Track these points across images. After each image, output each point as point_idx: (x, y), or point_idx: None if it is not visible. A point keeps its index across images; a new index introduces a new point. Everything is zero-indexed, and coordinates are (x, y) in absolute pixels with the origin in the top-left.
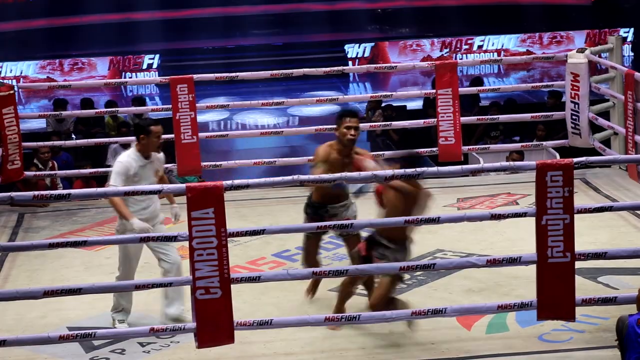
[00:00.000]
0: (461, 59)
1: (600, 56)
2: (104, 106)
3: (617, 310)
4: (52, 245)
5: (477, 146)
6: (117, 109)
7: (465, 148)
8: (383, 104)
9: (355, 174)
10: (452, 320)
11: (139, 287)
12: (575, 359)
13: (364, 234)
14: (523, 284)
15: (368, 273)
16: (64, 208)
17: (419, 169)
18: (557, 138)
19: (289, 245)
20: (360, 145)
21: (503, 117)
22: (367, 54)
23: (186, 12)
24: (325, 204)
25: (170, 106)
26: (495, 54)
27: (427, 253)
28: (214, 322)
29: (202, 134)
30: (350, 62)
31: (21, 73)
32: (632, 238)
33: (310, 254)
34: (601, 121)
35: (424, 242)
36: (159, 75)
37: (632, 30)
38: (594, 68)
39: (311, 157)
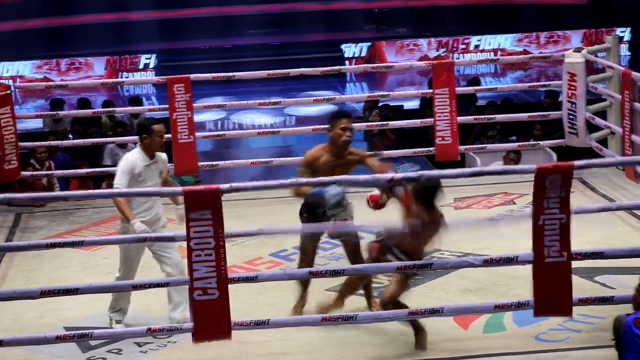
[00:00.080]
0: (458, 58)
1: (597, 56)
2: (101, 106)
3: (614, 309)
4: (49, 245)
5: (474, 146)
6: (114, 108)
7: (462, 148)
8: (380, 104)
9: (353, 177)
10: (449, 319)
11: (137, 287)
12: (572, 358)
13: (371, 236)
14: (520, 283)
15: (365, 273)
16: (61, 208)
17: (419, 172)
18: (554, 138)
19: (286, 245)
20: (357, 145)
21: (500, 117)
22: (364, 54)
23: (183, 11)
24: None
25: (167, 106)
26: (492, 53)
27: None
28: (211, 321)
29: (198, 134)
30: (347, 62)
31: (18, 73)
32: (630, 237)
33: (307, 254)
34: (598, 121)
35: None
36: (155, 75)
37: (628, 29)
38: (591, 67)
39: None
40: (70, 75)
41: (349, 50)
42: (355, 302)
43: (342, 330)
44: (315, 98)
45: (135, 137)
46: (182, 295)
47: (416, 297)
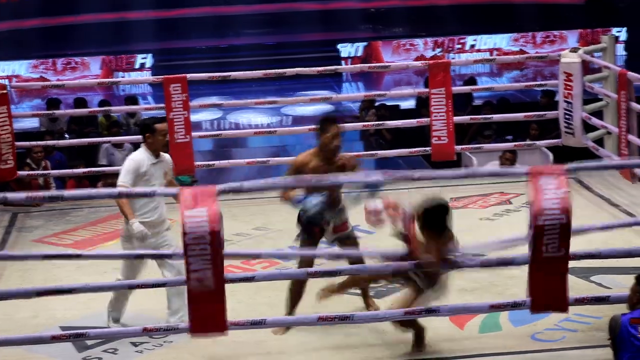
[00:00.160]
0: (454, 58)
1: (593, 56)
2: (97, 106)
3: (610, 309)
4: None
5: (471, 145)
6: (110, 107)
7: (458, 147)
8: (376, 104)
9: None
10: (445, 319)
11: (133, 287)
12: (568, 358)
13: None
14: (517, 283)
15: (362, 273)
16: (57, 207)
17: (416, 172)
18: (550, 137)
19: (282, 245)
20: (353, 145)
21: (496, 117)
22: (360, 54)
23: (179, 11)
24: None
25: (163, 105)
26: (488, 53)
27: None
28: (208, 317)
29: (195, 134)
30: (343, 62)
31: (14, 72)
32: (626, 237)
33: (305, 261)
34: (594, 120)
35: None
36: (152, 75)
37: (625, 29)
38: (587, 67)
39: None
40: (66, 75)
41: (345, 50)
42: (352, 302)
43: (338, 330)
44: (312, 97)
45: (131, 137)
46: (182, 301)
47: None
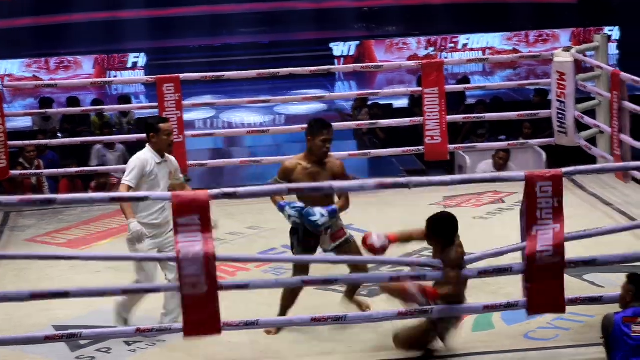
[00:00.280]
0: (446, 57)
1: (585, 55)
2: (90, 105)
3: (603, 308)
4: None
5: (464, 145)
6: (103, 107)
7: (451, 147)
8: (369, 103)
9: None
10: None
11: (127, 291)
12: (561, 356)
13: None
14: (511, 282)
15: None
16: (50, 207)
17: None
18: (543, 136)
19: (275, 244)
20: (346, 144)
21: (489, 116)
22: (353, 53)
23: (172, 10)
24: None
25: (156, 105)
26: (481, 52)
27: (413, 252)
28: (201, 319)
29: (188, 133)
30: (336, 61)
31: (6, 71)
32: (621, 239)
33: (301, 270)
34: (587, 120)
35: None
36: (145, 74)
37: (617, 28)
38: (580, 66)
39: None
40: (59, 74)
41: (338, 48)
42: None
43: (332, 330)
44: (305, 96)
45: (124, 137)
46: (178, 302)
47: None
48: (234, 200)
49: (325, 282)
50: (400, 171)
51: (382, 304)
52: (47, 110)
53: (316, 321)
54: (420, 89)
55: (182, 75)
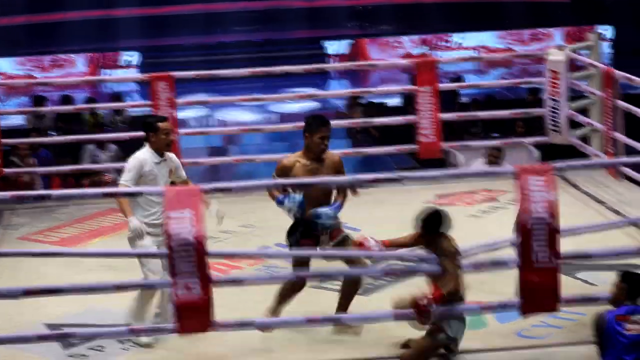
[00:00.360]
0: (440, 56)
1: (579, 53)
2: (82, 103)
3: (595, 306)
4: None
5: (457, 143)
6: (96, 105)
7: (444, 145)
8: (363, 101)
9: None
10: None
11: (120, 287)
12: (553, 355)
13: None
14: (506, 281)
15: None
16: (43, 205)
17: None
18: (536, 135)
19: (268, 242)
20: (340, 142)
21: (483, 114)
22: (347, 51)
23: (166, 8)
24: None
25: (150, 103)
26: (475, 51)
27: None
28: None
29: (181, 131)
30: (330, 60)
31: (0, 69)
32: (614, 236)
33: (302, 267)
34: (580, 118)
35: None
36: (139, 72)
37: (611, 27)
38: (573, 65)
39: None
40: (53, 72)
41: (332, 47)
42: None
43: (325, 329)
44: (298, 94)
45: (118, 134)
46: (167, 307)
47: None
48: (227, 198)
49: (319, 276)
50: (394, 169)
51: (378, 302)
52: (41, 108)
53: (311, 322)
54: (414, 87)
55: (175, 74)
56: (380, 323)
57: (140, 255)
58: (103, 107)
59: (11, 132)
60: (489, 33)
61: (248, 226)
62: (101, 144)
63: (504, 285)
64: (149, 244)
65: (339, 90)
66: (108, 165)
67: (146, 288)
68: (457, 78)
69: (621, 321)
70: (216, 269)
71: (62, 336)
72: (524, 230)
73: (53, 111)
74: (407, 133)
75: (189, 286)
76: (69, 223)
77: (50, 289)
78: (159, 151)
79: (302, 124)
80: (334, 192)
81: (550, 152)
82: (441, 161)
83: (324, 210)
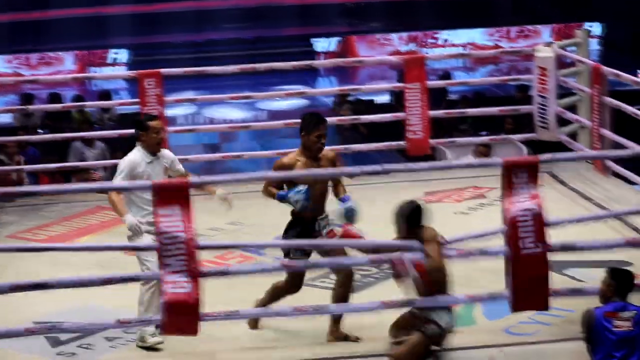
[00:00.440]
0: (427, 53)
1: (567, 50)
2: (70, 101)
3: (584, 302)
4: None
5: (446, 139)
6: (84, 103)
7: (433, 142)
8: (351, 98)
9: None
10: None
11: (107, 281)
12: (542, 351)
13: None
14: (495, 277)
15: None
16: (32, 203)
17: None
18: (525, 131)
19: (257, 240)
20: (329, 140)
21: (471, 111)
22: (336, 48)
23: (156, 6)
24: (315, 218)
25: (138, 100)
26: (463, 48)
27: None
28: (181, 315)
29: (170, 128)
30: (322, 56)
31: None
32: (601, 230)
33: (295, 277)
34: (568, 115)
35: (390, 234)
36: (128, 70)
37: (599, 24)
38: (562, 62)
39: (279, 152)
40: (41, 70)
41: (320, 44)
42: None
43: (313, 323)
44: (287, 92)
45: (106, 132)
46: (155, 305)
47: (388, 289)
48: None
49: (307, 267)
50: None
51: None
52: (29, 106)
53: (298, 311)
54: (402, 84)
55: (163, 71)
56: (371, 317)
57: (130, 249)
58: (91, 105)
59: None
60: (477, 30)
61: (236, 223)
62: (88, 142)
63: (491, 282)
64: (149, 243)
65: (327, 88)
66: (95, 163)
67: (133, 281)
68: (446, 75)
69: (610, 318)
70: (205, 266)
71: (48, 329)
72: (512, 220)
73: (41, 110)
74: (395, 130)
75: (178, 284)
76: (57, 221)
77: (37, 284)
78: (151, 150)
79: (291, 121)
80: (330, 190)
81: (538, 149)
82: (430, 158)
83: (348, 205)
